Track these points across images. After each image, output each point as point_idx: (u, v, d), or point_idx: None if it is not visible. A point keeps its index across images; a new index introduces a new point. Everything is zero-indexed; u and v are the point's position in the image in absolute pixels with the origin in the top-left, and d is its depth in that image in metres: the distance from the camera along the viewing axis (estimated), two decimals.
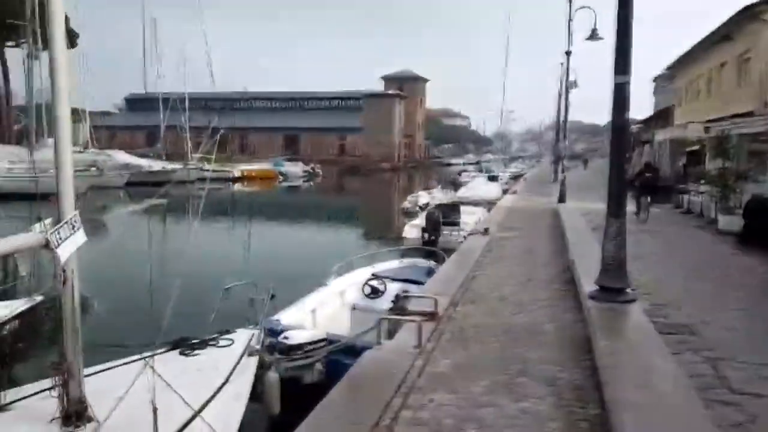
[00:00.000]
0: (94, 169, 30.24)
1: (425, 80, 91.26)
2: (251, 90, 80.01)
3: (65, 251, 3.81)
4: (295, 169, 55.84)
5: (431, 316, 5.93)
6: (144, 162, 39.88)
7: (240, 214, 27.28)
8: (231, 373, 5.18)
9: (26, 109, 31.51)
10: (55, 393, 4.07)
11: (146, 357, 4.44)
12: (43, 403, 4.15)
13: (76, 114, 36.87)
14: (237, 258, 10.59)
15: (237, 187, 44.61)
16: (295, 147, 79.03)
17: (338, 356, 6.03)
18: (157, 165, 40.04)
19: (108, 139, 59.06)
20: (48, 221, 3.80)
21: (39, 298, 7.26)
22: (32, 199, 5.40)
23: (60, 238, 3.78)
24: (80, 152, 32.92)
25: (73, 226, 3.95)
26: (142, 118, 69.81)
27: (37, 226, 3.69)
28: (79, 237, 3.98)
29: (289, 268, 14.00)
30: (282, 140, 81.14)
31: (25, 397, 4.28)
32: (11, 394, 4.25)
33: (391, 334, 5.68)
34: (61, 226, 3.82)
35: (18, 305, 6.52)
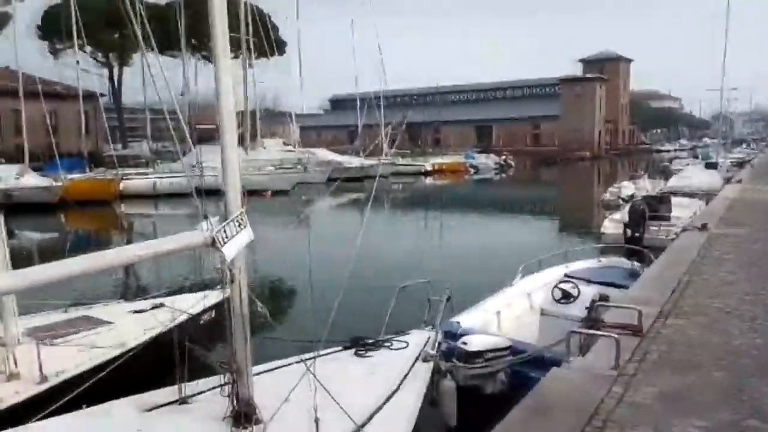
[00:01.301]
0: (300, 166, 32.81)
1: (628, 60, 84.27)
2: (443, 84, 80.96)
3: (231, 250, 3.74)
4: (487, 161, 55.08)
5: (634, 330, 5.02)
6: (343, 158, 42.36)
7: (428, 208, 27.53)
8: (404, 379, 4.84)
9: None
10: (225, 392, 4.05)
11: (307, 359, 4.27)
12: (217, 399, 4.18)
13: (286, 117, 40.59)
14: (418, 253, 10.40)
15: (429, 180, 45.35)
16: (487, 138, 78.26)
17: (523, 367, 5.41)
18: (355, 161, 42.25)
19: (315, 139, 64.07)
20: (214, 219, 3.75)
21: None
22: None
23: (226, 237, 3.71)
24: (289, 152, 36.06)
25: (239, 224, 3.87)
26: (344, 118, 74.54)
27: (203, 224, 3.61)
28: (246, 235, 3.90)
29: (473, 265, 13.53)
30: (474, 132, 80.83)
31: (203, 392, 4.36)
32: (191, 387, 4.35)
33: (583, 349, 4.91)
34: (227, 224, 3.75)
35: (211, 297, 6.93)
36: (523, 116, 78.78)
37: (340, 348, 5.35)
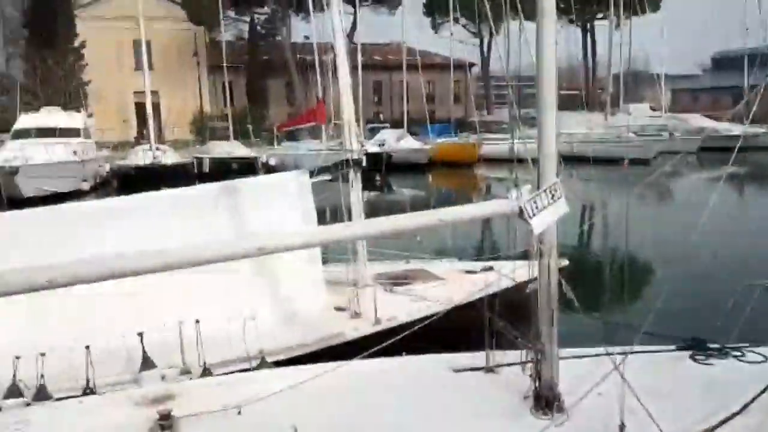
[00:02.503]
0: (664, 134, 29.62)
1: None
2: None
3: (540, 222, 3.45)
4: None
5: None
6: (722, 125, 36.53)
7: None
8: (750, 403, 3.89)
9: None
10: (527, 371, 3.85)
11: (619, 353, 3.73)
12: (521, 374, 4.00)
13: (651, 79, 36.90)
14: None
15: None
16: None
17: None
18: (736, 129, 36.04)
19: (690, 103, 56.95)
20: (526, 188, 3.50)
21: (564, 263, 7.34)
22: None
23: (536, 208, 3.44)
24: (654, 117, 32.82)
25: (552, 195, 3.54)
26: (727, 78, 64.12)
27: (512, 192, 3.42)
28: (559, 208, 3.55)
29: None
30: None
31: (510, 364, 4.24)
32: (498, 356, 4.27)
33: None
34: (538, 195, 3.46)
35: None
36: None
37: (672, 347, 4.58)
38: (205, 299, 4.91)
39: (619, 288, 9.20)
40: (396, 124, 38.02)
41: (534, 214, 3.46)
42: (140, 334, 4.53)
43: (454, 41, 40.71)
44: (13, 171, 18.94)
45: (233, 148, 28.93)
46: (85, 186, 21.63)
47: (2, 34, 41.50)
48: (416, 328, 4.85)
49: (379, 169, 25.10)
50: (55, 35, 36.59)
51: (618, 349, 3.89)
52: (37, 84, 34.62)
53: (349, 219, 6.38)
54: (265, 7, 52.30)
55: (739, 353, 4.43)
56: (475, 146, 31.37)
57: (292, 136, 29.67)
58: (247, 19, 52.06)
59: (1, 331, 4.77)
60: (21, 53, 39.62)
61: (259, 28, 52.82)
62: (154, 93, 45.79)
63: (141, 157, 24.79)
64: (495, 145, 33.03)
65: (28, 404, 4.04)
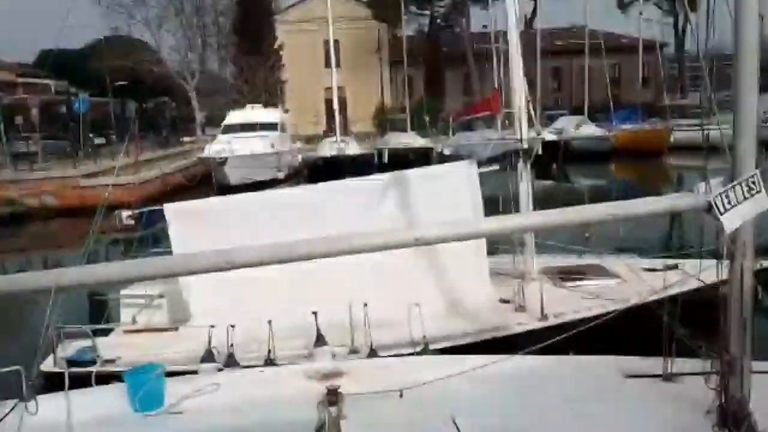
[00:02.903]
0: None
1: None
2: None
3: (732, 220, 3.07)
4: None
5: None
6: None
7: None
8: None
9: None
10: (711, 382, 3.45)
11: None
12: (703, 385, 3.60)
13: None
14: None
15: None
16: None
17: None
18: None
19: None
20: (716, 181, 3.15)
21: (764, 263, 6.40)
22: None
23: (728, 203, 3.06)
24: None
25: (750, 189, 3.11)
26: None
27: (701, 185, 3.10)
28: (758, 203, 3.11)
29: None
30: None
31: (691, 374, 3.84)
32: (677, 364, 3.89)
33: None
34: (732, 188, 3.07)
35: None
36: None
37: None
38: (374, 284, 5.13)
39: None
40: (577, 111, 36.08)
41: (726, 210, 3.09)
42: (314, 313, 4.87)
43: (643, 20, 37.38)
44: (222, 162, 21.44)
45: (410, 139, 29.69)
46: (281, 175, 23.74)
47: (216, 41, 46.89)
48: (584, 327, 4.58)
49: (556, 158, 24.06)
50: (258, 40, 40.49)
51: None
52: (243, 84, 38.63)
53: (517, 210, 6.22)
54: (444, 0, 52.71)
55: None
56: (664, 133, 28.56)
57: (467, 126, 29.58)
58: (428, 12, 52.84)
59: (203, 304, 5.45)
60: (230, 57, 44.49)
61: (438, 20, 53.37)
62: (341, 89, 48.89)
63: (327, 148, 26.54)
64: (688, 132, 29.81)
65: (220, 369, 4.57)
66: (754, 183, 3.16)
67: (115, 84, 40.52)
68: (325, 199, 5.97)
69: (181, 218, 5.73)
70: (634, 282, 6.04)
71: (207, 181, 22.37)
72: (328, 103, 40.32)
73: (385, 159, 26.82)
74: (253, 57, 38.94)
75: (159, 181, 21.90)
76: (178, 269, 3.41)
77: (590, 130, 29.98)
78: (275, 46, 43.64)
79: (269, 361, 4.64)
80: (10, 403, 3.14)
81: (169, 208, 5.80)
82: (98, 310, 6.25)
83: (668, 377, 3.92)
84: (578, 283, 6.09)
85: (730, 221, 3.10)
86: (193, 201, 6.22)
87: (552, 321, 5.20)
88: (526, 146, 6.18)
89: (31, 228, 17.61)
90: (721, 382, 3.38)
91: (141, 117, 46.21)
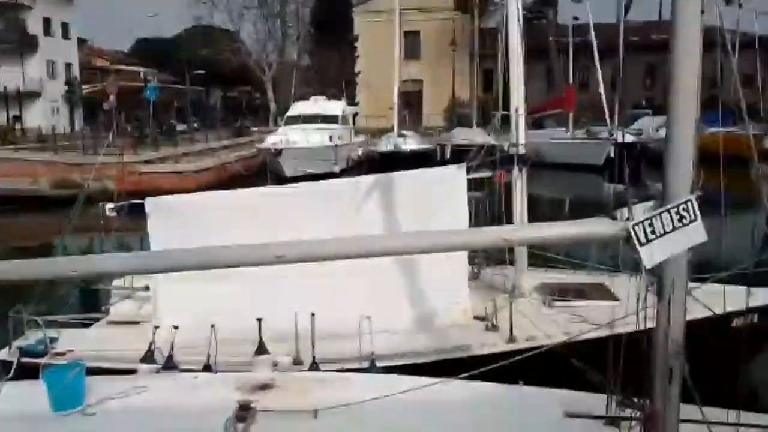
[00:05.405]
0: None
1: None
2: None
3: (654, 252, 2.57)
4: None
5: None
6: None
7: None
8: None
9: None
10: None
11: None
12: None
13: None
14: None
15: None
16: None
17: None
18: None
19: None
20: (645, 205, 2.67)
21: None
22: None
23: (651, 232, 2.57)
24: None
25: (682, 218, 2.59)
26: None
27: (622, 211, 2.65)
28: (690, 236, 2.59)
29: None
30: None
31: (630, 419, 3.35)
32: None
33: None
34: (655, 216, 2.57)
35: (763, 296, 5.24)
36: None
37: None
38: (327, 293, 4.88)
39: None
40: (663, 111, 33.84)
41: (647, 241, 2.60)
42: (259, 320, 4.69)
43: (752, 12, 34.38)
44: (278, 153, 21.75)
45: (474, 135, 28.95)
46: (336, 169, 23.75)
47: (295, 31, 47.71)
48: (531, 354, 4.07)
49: (632, 160, 22.52)
50: (335, 31, 40.87)
51: None
52: (315, 75, 39.16)
53: (510, 221, 5.76)
54: None
55: None
56: (758, 138, 26.26)
57: (538, 124, 28.50)
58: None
59: (166, 302, 5.40)
60: (307, 48, 45.25)
61: (525, 12, 51.81)
62: (419, 82, 48.42)
63: (384, 143, 26.41)
64: None
65: (158, 371, 4.50)
66: (687, 210, 2.62)
67: (193, 73, 42.16)
68: (305, 200, 5.75)
69: (160, 213, 5.69)
70: (631, 306, 5.43)
71: (265, 172, 22.77)
72: (404, 96, 40.12)
73: (447, 155, 26.30)
74: (328, 48, 39.36)
75: (216, 170, 22.50)
76: (147, 266, 3.32)
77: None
78: (352, 37, 43.88)
79: (206, 367, 4.52)
80: None
81: (150, 202, 5.79)
82: (89, 301, 6.38)
83: (611, 421, 3.45)
84: (570, 303, 5.53)
85: (650, 255, 2.59)
86: (175, 195, 6.18)
87: (519, 345, 4.73)
88: (522, 152, 5.68)
89: (91, 210, 18.42)
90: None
91: (224, 105, 47.98)
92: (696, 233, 2.61)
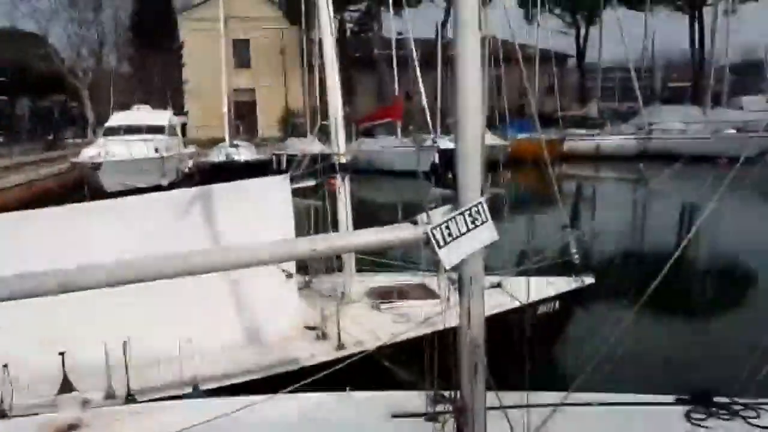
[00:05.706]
0: None
1: None
2: None
3: (452, 254, 2.73)
4: None
5: None
6: None
7: None
8: None
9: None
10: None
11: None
12: None
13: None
14: None
15: None
16: None
17: None
18: None
19: None
20: (439, 210, 2.80)
21: (588, 281, 6.37)
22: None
23: (448, 235, 2.72)
24: (763, 111, 29.47)
25: (475, 220, 2.79)
26: None
27: (422, 216, 2.73)
28: (482, 235, 2.80)
29: None
30: None
31: (446, 413, 3.53)
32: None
33: None
34: (450, 219, 2.74)
35: (561, 285, 5.83)
36: None
37: (670, 399, 3.60)
38: (140, 317, 4.55)
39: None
40: (489, 120, 36.61)
41: (445, 243, 2.75)
42: (62, 354, 4.24)
43: (548, 31, 38.70)
44: (96, 167, 19.97)
45: (307, 145, 29.06)
46: (164, 182, 22.36)
47: (113, 37, 44.26)
48: (356, 359, 4.16)
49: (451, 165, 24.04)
50: (156, 37, 38.58)
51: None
52: (138, 83, 36.69)
53: (335, 229, 5.82)
54: (360, 5, 52.61)
55: (752, 412, 3.41)
56: (555, 142, 29.61)
57: (368, 133, 29.37)
58: (339, 17, 52.58)
59: None
60: (127, 55, 42.21)
61: (351, 25, 53.19)
62: (251, 91, 47.44)
63: (216, 154, 25.53)
64: (579, 141, 31.02)
65: None
66: (478, 212, 2.84)
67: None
68: (113, 216, 5.32)
69: None
70: (454, 303, 5.78)
71: (83, 188, 20.82)
72: (237, 106, 39.10)
73: (284, 165, 26.08)
74: (150, 54, 37.07)
75: (23, 187, 20.07)
76: None
77: (486, 139, 30.38)
78: (176, 45, 41.85)
79: (2, 413, 3.98)
80: None
81: None
82: None
83: (432, 417, 3.62)
84: (394, 305, 5.74)
85: (448, 256, 2.76)
86: None
87: (348, 351, 4.79)
88: (344, 160, 5.80)
89: None
90: (456, 427, 3.09)
91: (34, 116, 43.11)
92: (488, 233, 2.83)
